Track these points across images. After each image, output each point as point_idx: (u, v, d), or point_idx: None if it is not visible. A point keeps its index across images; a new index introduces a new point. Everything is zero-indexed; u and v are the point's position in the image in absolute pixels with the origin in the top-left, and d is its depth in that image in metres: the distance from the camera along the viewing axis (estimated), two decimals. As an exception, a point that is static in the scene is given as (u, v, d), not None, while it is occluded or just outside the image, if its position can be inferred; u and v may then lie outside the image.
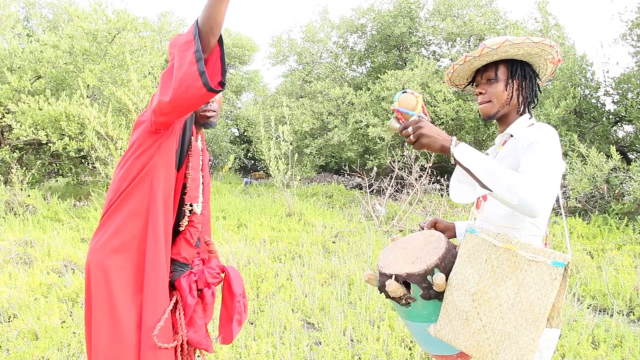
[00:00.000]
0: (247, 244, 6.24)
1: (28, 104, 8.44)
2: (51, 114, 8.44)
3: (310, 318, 3.95)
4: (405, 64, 13.94)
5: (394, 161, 9.53)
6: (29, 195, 8.36)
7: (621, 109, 9.13)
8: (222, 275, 2.08)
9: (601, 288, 4.52)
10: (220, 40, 1.65)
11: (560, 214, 7.05)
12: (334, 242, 6.62)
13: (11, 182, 8.43)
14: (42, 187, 10.75)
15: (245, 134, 18.26)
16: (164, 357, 1.81)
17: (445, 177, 10.20)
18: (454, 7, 13.49)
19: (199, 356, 2.17)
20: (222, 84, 1.63)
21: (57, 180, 13.06)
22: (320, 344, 3.46)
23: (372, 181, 10.02)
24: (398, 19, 13.80)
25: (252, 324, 3.80)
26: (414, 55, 13.42)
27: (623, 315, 4.15)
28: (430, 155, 9.12)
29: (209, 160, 2.21)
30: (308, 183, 13.87)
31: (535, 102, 1.80)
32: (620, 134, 10.39)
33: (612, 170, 7.60)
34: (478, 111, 9.92)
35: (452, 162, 1.54)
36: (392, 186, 9.17)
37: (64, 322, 3.79)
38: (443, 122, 11.32)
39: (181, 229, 1.98)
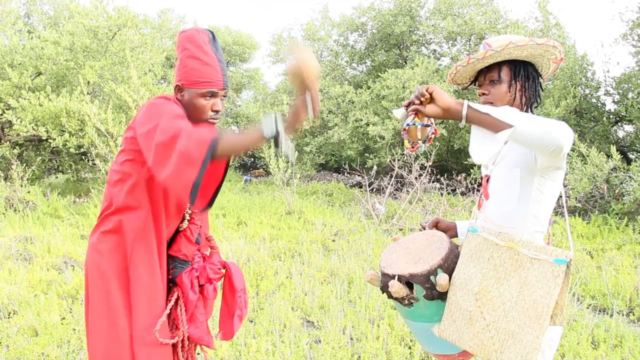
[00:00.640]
0: (247, 242, 6.24)
1: (28, 100, 8.43)
2: (51, 110, 8.43)
3: (310, 316, 3.96)
4: (405, 62, 13.93)
5: (394, 160, 9.52)
6: (29, 192, 8.35)
7: (621, 109, 9.12)
8: (223, 271, 2.08)
9: (601, 288, 4.52)
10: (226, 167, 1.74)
11: (560, 214, 7.06)
12: (333, 241, 6.62)
13: (11, 178, 8.42)
14: (42, 184, 10.74)
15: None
16: (157, 353, 1.80)
17: (445, 175, 10.20)
18: (455, 6, 13.47)
19: (199, 353, 2.17)
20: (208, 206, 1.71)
21: (57, 177, 13.04)
22: (319, 342, 3.46)
23: (372, 180, 10.01)
24: (398, 18, 13.78)
25: (251, 321, 3.80)
26: (414, 54, 13.41)
27: (623, 315, 4.16)
28: (430, 154, 9.12)
29: None
30: (308, 181, 13.86)
31: (538, 102, 1.80)
32: (621, 134, 10.38)
33: (612, 170, 7.60)
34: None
35: (464, 120, 1.46)
36: (392, 185, 9.16)
37: (63, 318, 3.80)
38: (443, 121, 11.31)
39: (181, 229, 1.98)
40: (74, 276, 4.65)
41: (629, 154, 9.78)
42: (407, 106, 1.56)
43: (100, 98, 10.22)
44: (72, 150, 8.66)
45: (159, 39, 14.37)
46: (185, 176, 1.57)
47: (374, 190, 10.68)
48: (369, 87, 12.60)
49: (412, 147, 1.64)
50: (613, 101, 9.73)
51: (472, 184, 9.36)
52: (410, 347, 3.39)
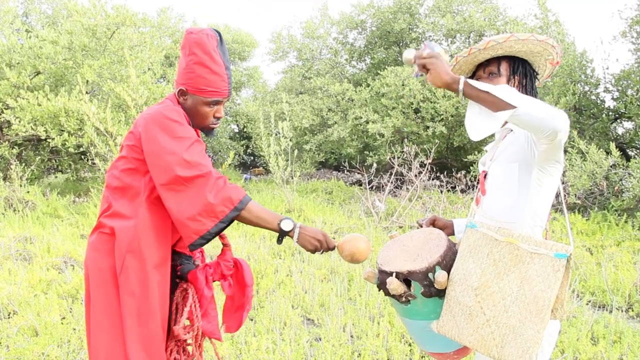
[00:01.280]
0: (247, 240, 6.25)
1: (27, 99, 8.42)
2: (50, 109, 8.42)
3: (310, 314, 3.96)
4: (405, 60, 13.91)
5: (393, 157, 9.52)
6: (28, 192, 8.34)
7: (621, 106, 9.12)
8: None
9: (600, 284, 4.52)
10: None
11: (559, 210, 7.06)
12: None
13: (10, 178, 8.41)
14: (42, 184, 10.73)
15: (245, 130, 18.24)
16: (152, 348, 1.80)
17: (445, 173, 10.20)
18: (454, 3, 13.48)
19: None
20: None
21: (56, 177, 13.04)
22: (320, 340, 3.47)
23: (372, 177, 10.01)
24: (398, 15, 13.77)
25: (252, 319, 3.80)
26: (413, 51, 13.39)
27: (622, 311, 4.16)
28: (430, 152, 9.12)
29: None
30: (308, 179, 13.86)
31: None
32: (620, 131, 10.37)
33: (611, 166, 7.60)
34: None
35: (461, 93, 1.50)
36: (391, 182, 9.16)
37: (64, 318, 3.79)
38: (443, 119, 11.32)
39: None
40: (74, 276, 4.65)
41: (628, 150, 9.78)
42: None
43: (99, 97, 10.21)
44: (71, 149, 8.65)
45: (158, 37, 14.32)
46: (199, 224, 1.64)
47: (374, 188, 10.68)
48: (368, 85, 12.60)
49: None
50: (612, 98, 9.73)
51: (471, 181, 9.36)
52: (410, 345, 3.39)
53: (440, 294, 1.60)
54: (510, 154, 1.71)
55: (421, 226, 1.95)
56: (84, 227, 6.88)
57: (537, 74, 1.83)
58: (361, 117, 11.89)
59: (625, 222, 6.79)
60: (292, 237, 1.78)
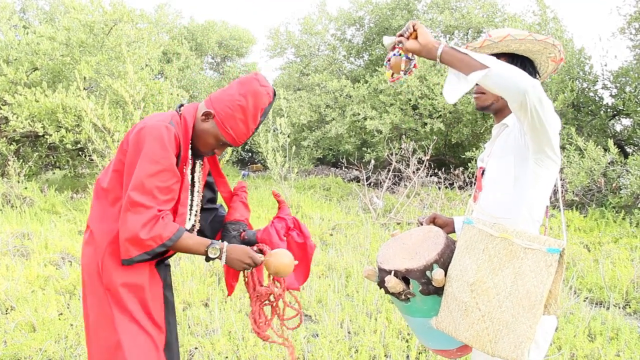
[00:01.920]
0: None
1: (24, 95, 8.39)
2: (48, 106, 8.39)
3: (308, 310, 3.96)
4: (403, 56, 13.89)
5: (391, 154, 9.52)
6: (26, 188, 8.33)
7: (619, 103, 9.13)
8: None
9: (598, 281, 4.53)
10: None
11: (557, 207, 7.07)
12: (331, 235, 6.62)
13: (8, 174, 8.40)
14: (39, 180, 10.70)
15: (243, 126, 18.18)
16: (140, 340, 1.80)
17: (443, 169, 10.20)
18: (452, 0, 13.45)
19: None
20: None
21: (54, 173, 13.01)
22: (317, 336, 3.47)
23: (370, 174, 10.01)
24: (396, 12, 13.75)
25: (248, 315, 3.80)
26: (412, 48, 13.38)
27: (619, 308, 4.18)
28: (428, 149, 9.12)
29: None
30: (305, 176, 13.85)
31: None
32: (618, 128, 10.39)
33: (609, 163, 7.61)
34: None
35: (438, 59, 1.54)
36: (389, 179, 9.17)
37: (61, 314, 3.79)
38: (441, 115, 11.32)
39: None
40: (72, 272, 4.65)
41: (626, 147, 9.79)
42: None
43: (96, 93, 10.19)
44: (69, 146, 8.63)
45: (156, 33, 14.31)
46: (125, 249, 1.70)
47: (372, 184, 10.69)
48: (366, 82, 12.58)
49: (393, 78, 1.69)
50: (610, 95, 9.75)
51: (469, 178, 9.37)
52: (407, 341, 3.40)
53: (439, 291, 1.61)
54: (505, 148, 1.71)
55: (421, 224, 1.95)
56: (81, 224, 6.87)
57: (538, 72, 1.81)
58: (359, 114, 11.88)
59: (623, 219, 6.80)
60: (220, 259, 1.83)
